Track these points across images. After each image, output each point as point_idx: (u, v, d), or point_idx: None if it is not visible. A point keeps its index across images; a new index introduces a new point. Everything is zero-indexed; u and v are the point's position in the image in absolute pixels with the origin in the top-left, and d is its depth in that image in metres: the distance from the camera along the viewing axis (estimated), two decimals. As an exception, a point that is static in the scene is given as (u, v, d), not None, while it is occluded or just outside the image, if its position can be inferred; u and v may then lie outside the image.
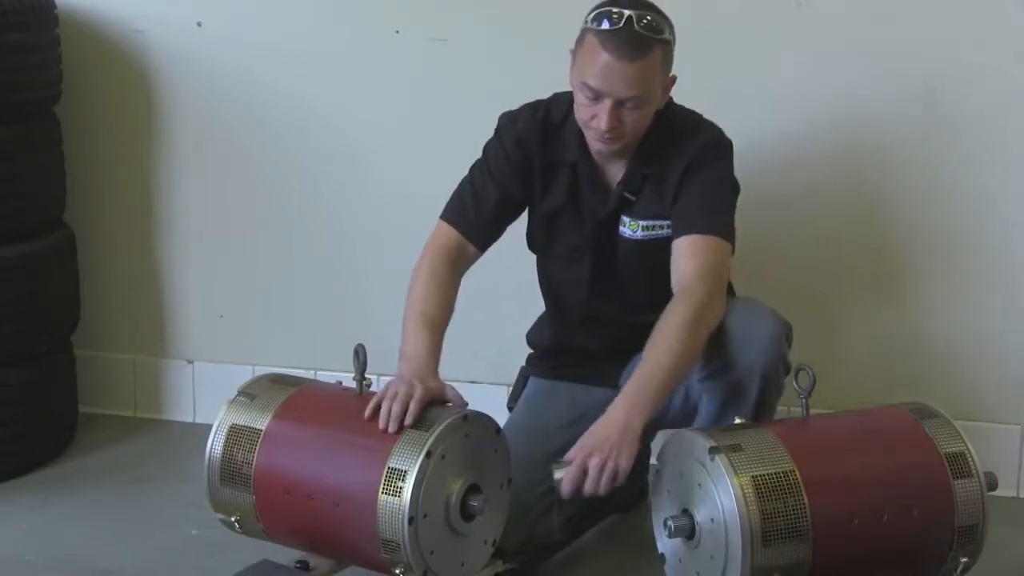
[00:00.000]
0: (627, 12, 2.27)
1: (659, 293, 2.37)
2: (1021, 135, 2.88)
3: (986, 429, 2.95)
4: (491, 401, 2.75)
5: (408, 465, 2.08)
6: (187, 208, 3.36)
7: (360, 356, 2.27)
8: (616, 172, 2.45)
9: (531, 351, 2.74)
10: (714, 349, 2.31)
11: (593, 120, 2.33)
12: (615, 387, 2.53)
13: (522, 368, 2.74)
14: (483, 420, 2.23)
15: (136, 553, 2.68)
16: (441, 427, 2.12)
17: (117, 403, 3.47)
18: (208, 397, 3.35)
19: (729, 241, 2.37)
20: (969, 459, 2.13)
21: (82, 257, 3.29)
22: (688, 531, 2.12)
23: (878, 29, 2.89)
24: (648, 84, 2.31)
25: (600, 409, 2.52)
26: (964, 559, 2.12)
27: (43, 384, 3.11)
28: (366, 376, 2.28)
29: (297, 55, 3.20)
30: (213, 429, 2.29)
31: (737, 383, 2.31)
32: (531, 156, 2.47)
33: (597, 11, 2.32)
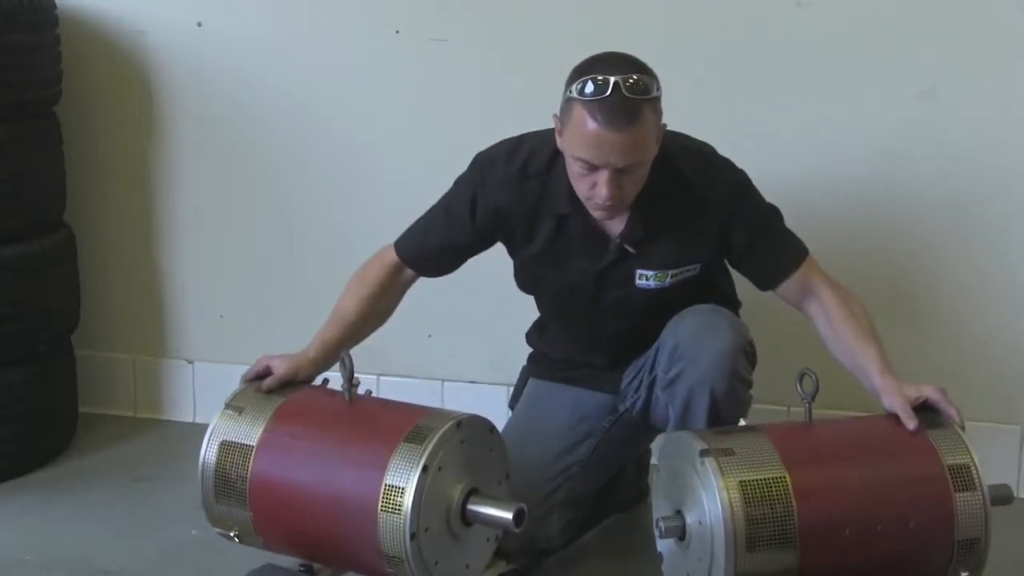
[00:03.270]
0: (612, 78, 2.15)
1: (654, 324, 2.39)
2: (1020, 135, 2.88)
3: (986, 429, 2.94)
4: (492, 401, 2.77)
5: (405, 481, 2.07)
6: (187, 208, 3.36)
7: (347, 363, 2.26)
8: (614, 224, 2.37)
9: (532, 350, 2.72)
10: (671, 360, 2.33)
11: (593, 190, 2.24)
12: (615, 392, 2.53)
13: (524, 367, 2.72)
14: (476, 422, 2.22)
15: (136, 553, 2.68)
16: (435, 440, 2.10)
17: (117, 403, 3.47)
18: (208, 397, 3.34)
19: (808, 251, 2.39)
20: (973, 471, 2.08)
21: (82, 257, 3.29)
22: (679, 532, 2.12)
23: (878, 29, 2.89)
24: (644, 148, 2.21)
25: (599, 414, 2.54)
26: (964, 573, 2.09)
27: (43, 384, 3.11)
28: (356, 376, 2.27)
29: (297, 55, 3.20)
30: (204, 445, 2.27)
31: (688, 398, 2.30)
32: (507, 214, 2.40)
33: (580, 78, 2.19)
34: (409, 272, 2.51)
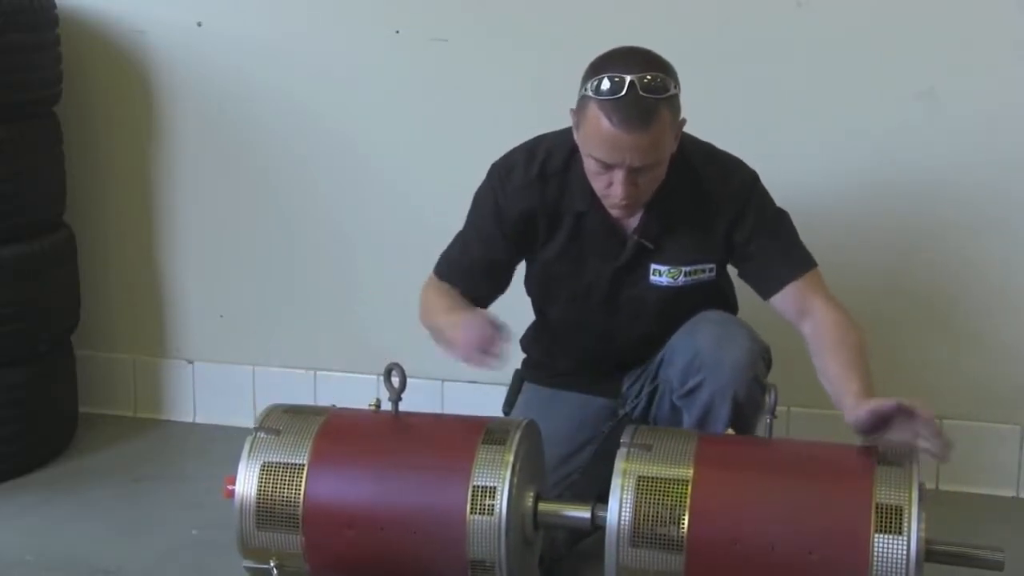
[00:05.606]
0: (628, 77, 2.13)
1: (664, 330, 2.38)
2: (1020, 135, 2.88)
3: (986, 429, 2.95)
4: (492, 402, 2.75)
5: (495, 481, 2.05)
6: (187, 208, 3.35)
7: (399, 376, 2.20)
8: (630, 220, 2.36)
9: (526, 356, 2.67)
10: (689, 370, 2.32)
11: (608, 188, 2.23)
12: (615, 397, 2.52)
13: (517, 371, 2.66)
14: (535, 425, 2.23)
15: (136, 553, 2.68)
16: (517, 439, 2.10)
17: (117, 403, 3.47)
18: (208, 397, 3.35)
19: (816, 264, 2.35)
20: (906, 517, 1.92)
21: (82, 257, 3.29)
22: (601, 520, 2.10)
23: (878, 29, 2.89)
24: (660, 147, 2.20)
25: (599, 419, 2.52)
26: None
27: (43, 384, 3.11)
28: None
29: (297, 55, 3.20)
30: (241, 472, 2.15)
31: (709, 406, 2.30)
32: (531, 216, 2.39)
33: (596, 75, 2.17)
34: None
